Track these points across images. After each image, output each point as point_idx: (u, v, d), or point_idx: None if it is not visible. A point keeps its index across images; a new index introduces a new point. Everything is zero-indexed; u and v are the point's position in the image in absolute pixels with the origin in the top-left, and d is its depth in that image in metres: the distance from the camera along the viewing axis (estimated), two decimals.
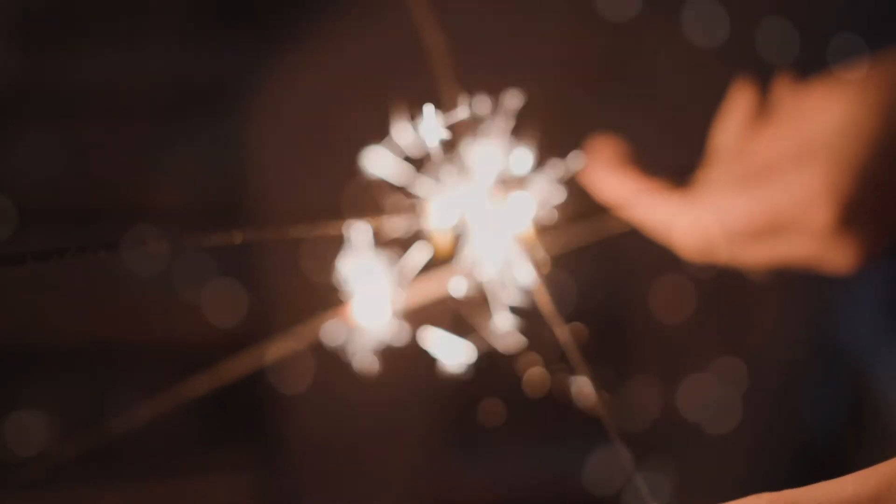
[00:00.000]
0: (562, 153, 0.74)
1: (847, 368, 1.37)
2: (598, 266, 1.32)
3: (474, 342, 0.74)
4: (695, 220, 0.80)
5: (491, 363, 0.79)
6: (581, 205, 0.75)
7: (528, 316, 0.74)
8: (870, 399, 1.36)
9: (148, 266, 1.40)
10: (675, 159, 0.85)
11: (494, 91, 0.73)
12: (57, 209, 1.47)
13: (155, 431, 1.35)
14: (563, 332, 0.67)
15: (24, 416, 1.37)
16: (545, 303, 0.68)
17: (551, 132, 0.70)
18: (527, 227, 0.70)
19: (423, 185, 0.70)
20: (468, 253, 0.71)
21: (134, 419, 0.86)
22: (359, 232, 0.68)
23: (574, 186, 0.74)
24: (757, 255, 0.82)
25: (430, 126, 0.69)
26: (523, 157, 0.70)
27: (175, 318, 1.43)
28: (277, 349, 0.81)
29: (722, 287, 1.30)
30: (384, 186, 0.72)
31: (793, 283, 1.32)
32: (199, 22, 1.52)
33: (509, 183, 0.70)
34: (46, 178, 1.46)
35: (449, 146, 0.70)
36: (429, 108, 0.67)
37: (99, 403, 1.42)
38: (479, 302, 0.71)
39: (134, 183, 1.47)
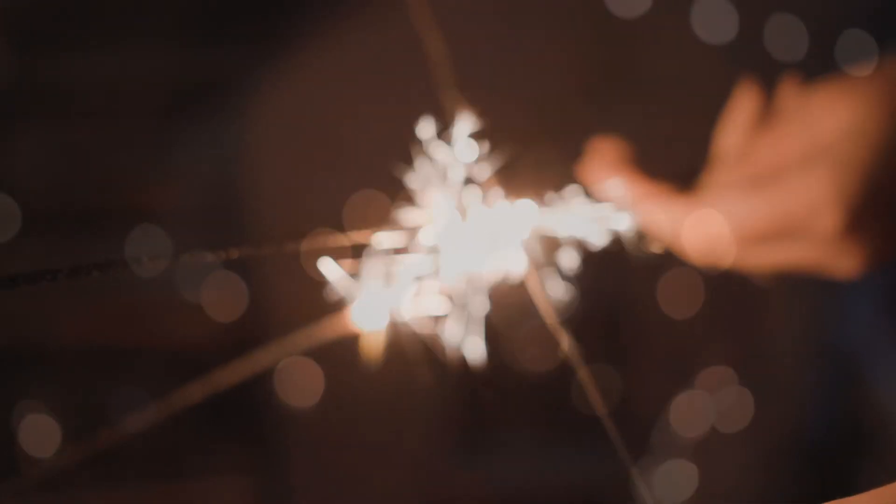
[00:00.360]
0: (566, 157, 0.74)
1: (847, 371, 1.37)
2: (599, 266, 1.31)
3: (476, 344, 0.73)
4: (700, 224, 0.79)
5: (492, 365, 0.78)
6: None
7: (528, 318, 0.73)
8: (870, 402, 1.35)
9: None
10: (680, 162, 0.85)
11: (496, 95, 0.73)
12: (56, 210, 1.47)
13: (154, 433, 1.35)
14: (563, 334, 0.67)
15: (24, 418, 1.37)
16: (545, 305, 0.68)
17: (555, 135, 0.70)
18: (529, 232, 0.70)
19: (422, 191, 0.70)
20: (468, 258, 0.70)
21: (134, 421, 0.86)
22: (358, 239, 0.68)
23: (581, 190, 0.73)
24: (762, 259, 0.82)
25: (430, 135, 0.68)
26: (526, 161, 0.70)
27: (175, 318, 1.43)
28: (277, 351, 0.81)
29: (723, 289, 1.30)
30: (384, 191, 0.72)
31: (794, 285, 1.32)
32: (200, 23, 1.51)
33: (510, 188, 0.70)
34: (45, 179, 1.46)
35: (450, 153, 0.70)
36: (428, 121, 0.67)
37: (99, 405, 1.42)
38: (479, 305, 0.71)
39: (133, 183, 1.47)
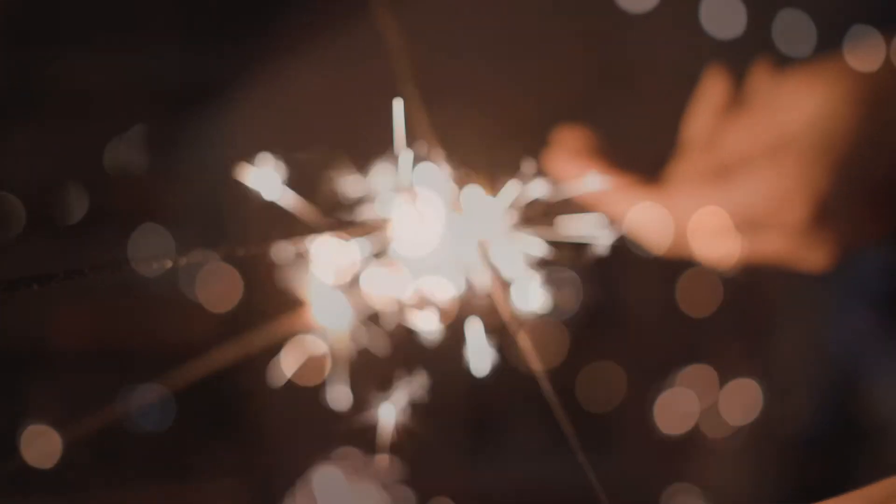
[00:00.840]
0: (533, 148, 0.73)
1: (847, 371, 1.36)
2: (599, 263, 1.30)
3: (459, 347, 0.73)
4: (665, 215, 0.78)
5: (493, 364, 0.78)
6: (552, 201, 0.74)
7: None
8: (870, 402, 1.34)
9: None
10: (646, 152, 0.83)
11: (469, 87, 0.72)
12: (56, 210, 1.47)
13: (153, 434, 1.35)
14: (524, 338, 0.66)
15: (25, 419, 1.37)
16: (506, 309, 0.67)
17: (524, 127, 0.69)
18: (494, 232, 0.69)
19: (393, 192, 0.69)
20: (437, 260, 0.69)
21: (136, 421, 0.86)
22: (329, 240, 0.67)
23: (547, 184, 0.72)
24: (729, 250, 0.80)
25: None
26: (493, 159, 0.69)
27: (174, 315, 1.43)
28: (265, 346, 0.80)
29: (722, 289, 1.29)
30: (356, 192, 0.71)
31: (794, 285, 1.31)
32: (200, 24, 1.51)
33: (477, 187, 0.69)
34: (45, 180, 1.46)
35: (421, 154, 0.69)
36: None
37: (99, 406, 1.41)
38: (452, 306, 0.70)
39: (133, 183, 1.47)
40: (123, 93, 1.48)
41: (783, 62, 0.84)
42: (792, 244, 0.78)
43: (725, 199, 0.78)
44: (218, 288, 1.37)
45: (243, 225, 1.37)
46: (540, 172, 0.73)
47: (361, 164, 0.77)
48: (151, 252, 1.40)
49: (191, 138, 1.47)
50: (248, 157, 1.37)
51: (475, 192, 0.69)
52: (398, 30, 0.68)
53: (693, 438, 1.34)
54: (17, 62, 1.47)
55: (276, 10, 1.42)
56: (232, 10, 1.49)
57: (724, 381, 1.33)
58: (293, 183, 1.30)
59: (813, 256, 0.79)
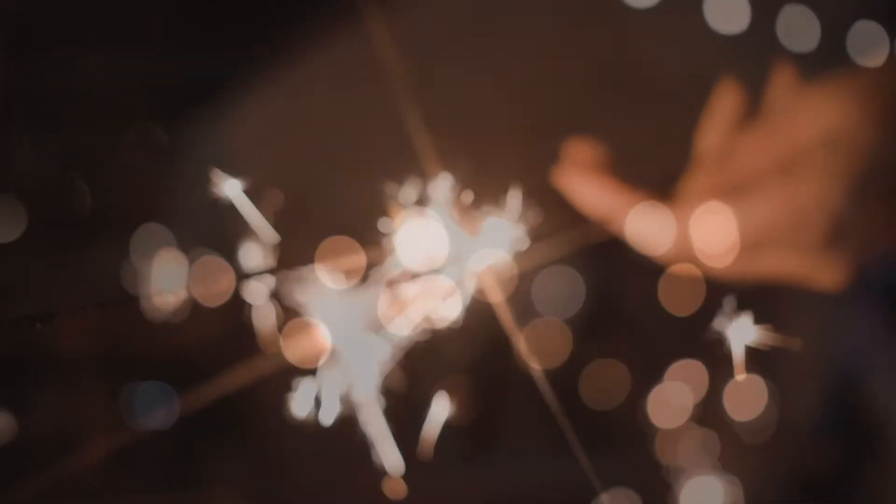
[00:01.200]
0: (544, 161, 0.73)
1: (847, 372, 1.36)
2: (600, 265, 1.30)
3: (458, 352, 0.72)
4: (677, 233, 0.77)
5: (485, 373, 0.77)
6: (562, 217, 0.73)
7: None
8: (870, 402, 1.34)
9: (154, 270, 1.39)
10: (657, 164, 0.82)
11: (476, 93, 0.71)
12: (57, 212, 1.47)
13: (148, 443, 1.35)
14: (524, 349, 0.66)
15: (27, 423, 1.37)
16: (510, 324, 0.66)
17: (534, 139, 0.69)
18: (500, 252, 0.68)
19: (395, 204, 0.69)
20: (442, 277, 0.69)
21: (141, 426, 0.86)
22: (334, 261, 0.67)
23: (556, 200, 0.72)
24: (741, 267, 0.79)
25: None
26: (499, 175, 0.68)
27: (179, 323, 1.42)
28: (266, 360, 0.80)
29: (723, 290, 1.28)
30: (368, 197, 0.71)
31: (791, 289, 1.30)
32: (200, 25, 1.51)
33: (482, 208, 0.68)
34: (45, 182, 1.46)
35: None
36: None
37: (102, 409, 1.42)
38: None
39: (132, 185, 1.47)
40: (123, 93, 1.48)
41: (796, 67, 0.83)
42: (806, 263, 0.77)
43: (738, 216, 0.76)
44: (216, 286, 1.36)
45: (243, 226, 1.37)
46: (547, 187, 0.72)
47: (359, 166, 0.77)
48: (151, 250, 1.40)
49: (191, 138, 1.47)
50: (248, 156, 1.36)
51: (480, 207, 0.69)
52: (394, 39, 0.67)
53: (695, 436, 1.33)
54: (17, 62, 1.47)
55: (275, 11, 1.42)
56: (232, 12, 1.49)
57: (726, 378, 1.33)
58: (295, 188, 1.29)
59: (828, 275, 0.77)
